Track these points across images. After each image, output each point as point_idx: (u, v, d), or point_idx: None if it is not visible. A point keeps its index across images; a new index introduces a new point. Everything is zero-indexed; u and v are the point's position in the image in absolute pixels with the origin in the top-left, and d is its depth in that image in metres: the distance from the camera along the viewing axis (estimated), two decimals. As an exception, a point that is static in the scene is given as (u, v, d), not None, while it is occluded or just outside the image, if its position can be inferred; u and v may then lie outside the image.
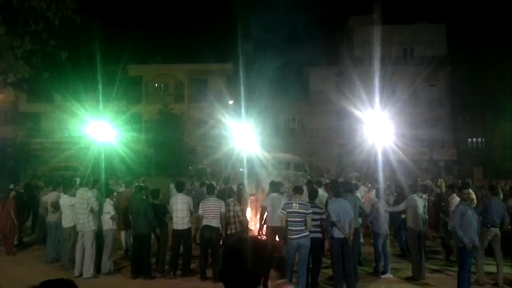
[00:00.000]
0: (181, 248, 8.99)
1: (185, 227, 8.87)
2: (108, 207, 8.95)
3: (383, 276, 8.81)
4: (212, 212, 8.52)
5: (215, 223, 8.46)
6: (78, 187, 9.54)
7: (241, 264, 2.03)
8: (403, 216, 9.77)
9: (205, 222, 8.50)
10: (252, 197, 12.35)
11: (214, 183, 11.30)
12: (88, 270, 8.55)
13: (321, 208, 8.08)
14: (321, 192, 9.88)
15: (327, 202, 9.10)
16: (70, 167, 23.50)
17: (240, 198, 10.95)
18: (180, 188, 9.36)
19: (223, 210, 8.56)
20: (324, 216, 7.98)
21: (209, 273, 8.57)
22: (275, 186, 9.54)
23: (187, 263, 8.92)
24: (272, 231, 8.92)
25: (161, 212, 9.01)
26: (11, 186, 12.75)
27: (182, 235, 8.87)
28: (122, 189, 11.90)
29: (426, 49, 34.49)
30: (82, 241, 8.71)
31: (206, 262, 8.70)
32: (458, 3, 43.12)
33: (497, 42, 29.64)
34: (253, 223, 11.38)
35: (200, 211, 8.64)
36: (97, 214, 8.82)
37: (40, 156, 28.09)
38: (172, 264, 8.93)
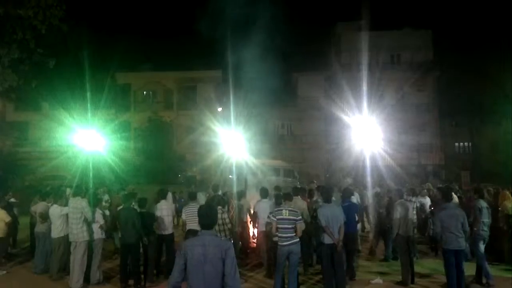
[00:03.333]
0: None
1: (170, 232, 9.24)
2: (97, 216, 8.89)
3: (372, 282, 8.85)
4: (195, 216, 8.64)
5: (198, 226, 8.55)
6: (68, 197, 9.45)
7: (208, 213, 4.50)
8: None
9: (189, 226, 8.80)
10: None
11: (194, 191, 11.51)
12: (78, 280, 8.45)
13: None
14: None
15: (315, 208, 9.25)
16: (58, 177, 23.30)
17: (224, 205, 11.06)
18: (163, 195, 9.73)
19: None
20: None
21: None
22: (265, 192, 9.95)
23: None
24: (264, 235, 9.34)
25: (149, 221, 9.03)
26: None
27: (164, 240, 9.21)
28: (106, 197, 11.93)
29: (413, 55, 34.88)
30: (75, 251, 8.60)
31: None
32: (444, 10, 43.77)
33: (483, 47, 30.08)
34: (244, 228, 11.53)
35: (183, 216, 9.07)
36: (89, 223, 8.75)
37: (28, 165, 27.82)
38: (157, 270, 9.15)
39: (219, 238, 4.54)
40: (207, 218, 4.41)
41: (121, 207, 9.22)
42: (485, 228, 8.55)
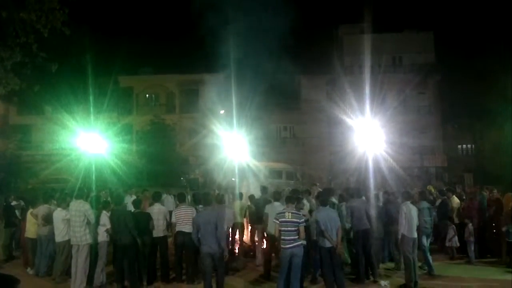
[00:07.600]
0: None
1: (160, 235, 9.23)
2: (104, 219, 8.85)
3: (382, 283, 8.84)
4: (184, 218, 8.96)
5: (187, 228, 8.71)
6: (70, 199, 9.42)
7: (205, 197, 8.34)
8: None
9: (178, 228, 8.95)
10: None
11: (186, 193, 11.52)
12: (81, 283, 8.44)
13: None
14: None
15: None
16: (61, 180, 23.34)
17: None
18: (156, 198, 9.84)
19: (195, 215, 8.92)
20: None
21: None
22: (276, 195, 9.86)
23: (166, 270, 9.22)
24: (271, 237, 9.21)
25: (144, 220, 8.90)
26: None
27: (158, 243, 9.23)
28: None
29: (415, 57, 34.89)
30: (77, 254, 8.56)
31: (181, 265, 9.05)
32: (446, 12, 43.78)
33: (484, 50, 30.09)
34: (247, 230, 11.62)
35: (173, 219, 9.11)
36: (93, 226, 8.73)
37: (31, 168, 27.87)
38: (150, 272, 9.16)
39: (214, 210, 8.05)
40: (205, 200, 8.08)
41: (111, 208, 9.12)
42: (427, 226, 9.65)
